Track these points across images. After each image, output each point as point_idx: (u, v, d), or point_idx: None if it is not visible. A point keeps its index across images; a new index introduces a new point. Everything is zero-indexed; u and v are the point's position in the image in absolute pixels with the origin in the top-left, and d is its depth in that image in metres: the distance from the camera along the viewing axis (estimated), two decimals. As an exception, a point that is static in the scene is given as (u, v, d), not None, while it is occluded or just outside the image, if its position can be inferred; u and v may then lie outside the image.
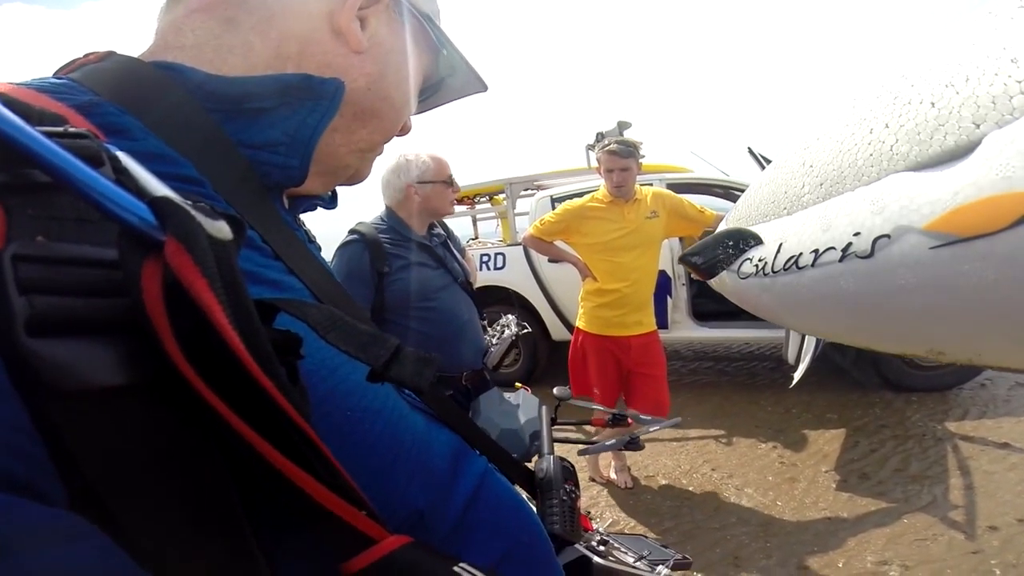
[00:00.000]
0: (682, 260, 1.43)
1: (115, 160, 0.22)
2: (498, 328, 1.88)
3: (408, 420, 0.41)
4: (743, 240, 1.10)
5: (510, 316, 1.92)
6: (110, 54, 0.38)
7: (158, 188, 0.22)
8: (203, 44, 0.40)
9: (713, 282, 1.27)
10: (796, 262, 0.94)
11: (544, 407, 0.94)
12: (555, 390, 1.10)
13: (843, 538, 2.30)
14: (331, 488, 0.24)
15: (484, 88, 0.61)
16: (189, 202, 0.22)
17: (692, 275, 4.42)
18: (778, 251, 0.99)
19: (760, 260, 1.05)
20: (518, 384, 1.16)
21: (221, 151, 0.37)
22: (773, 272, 1.00)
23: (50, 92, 0.32)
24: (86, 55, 0.39)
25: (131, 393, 0.19)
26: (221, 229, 0.22)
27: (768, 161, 3.19)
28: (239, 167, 0.38)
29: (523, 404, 0.99)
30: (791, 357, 3.19)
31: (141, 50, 0.41)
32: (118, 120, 0.33)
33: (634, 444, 1.10)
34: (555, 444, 0.86)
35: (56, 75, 0.36)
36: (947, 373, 3.61)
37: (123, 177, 0.21)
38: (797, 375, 2.99)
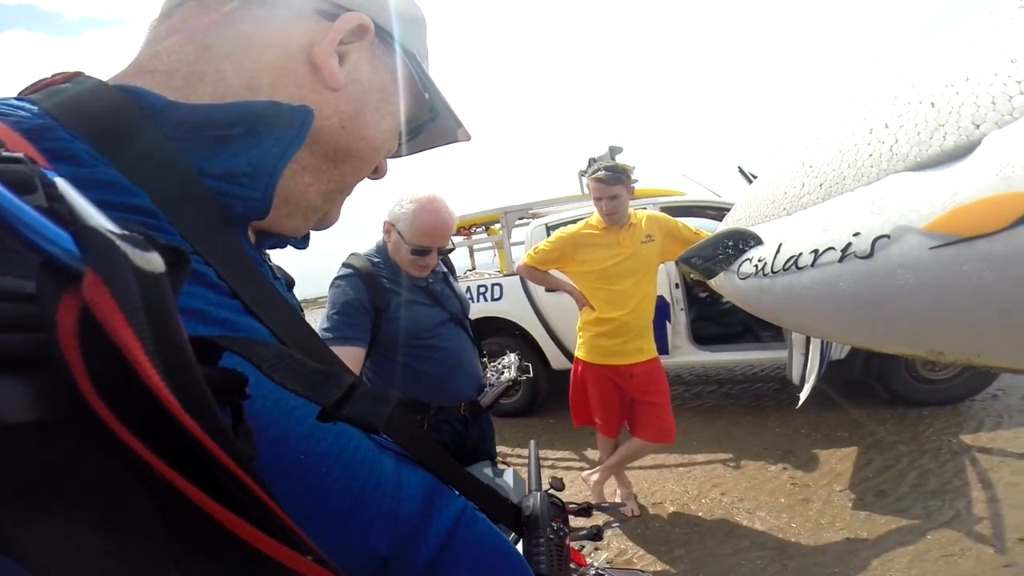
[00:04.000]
0: (681, 260, 1.42)
1: (50, 187, 0.21)
2: (499, 367, 1.81)
3: (373, 463, 0.39)
4: (743, 240, 1.10)
5: (513, 356, 1.85)
6: (77, 75, 0.37)
7: (95, 218, 0.20)
8: (174, 71, 0.39)
9: (713, 283, 1.26)
10: (796, 262, 0.94)
11: (533, 442, 0.92)
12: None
13: (865, 558, 2.22)
14: (270, 533, 0.22)
15: (467, 137, 0.60)
16: (120, 232, 0.20)
17: (689, 280, 4.42)
18: (777, 251, 0.99)
19: (760, 260, 1.05)
20: (501, 462, 1.13)
21: (180, 181, 0.35)
22: (772, 272, 1.00)
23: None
24: (53, 76, 0.38)
25: (44, 429, 0.18)
26: (151, 261, 0.20)
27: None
28: (199, 198, 0.36)
29: (514, 486, 0.96)
30: (796, 377, 3.15)
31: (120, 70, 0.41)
32: (68, 146, 0.32)
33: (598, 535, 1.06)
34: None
35: (20, 95, 0.35)
36: (957, 385, 3.56)
37: (57, 205, 0.20)
38: (803, 395, 2.95)
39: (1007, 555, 2.09)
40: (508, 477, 0.99)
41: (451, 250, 1.79)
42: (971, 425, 3.31)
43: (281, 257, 0.58)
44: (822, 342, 3.03)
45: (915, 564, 2.14)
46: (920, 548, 2.23)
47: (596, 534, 1.05)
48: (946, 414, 3.49)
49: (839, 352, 3.54)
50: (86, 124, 0.33)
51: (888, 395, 3.68)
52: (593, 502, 2.75)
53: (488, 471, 0.98)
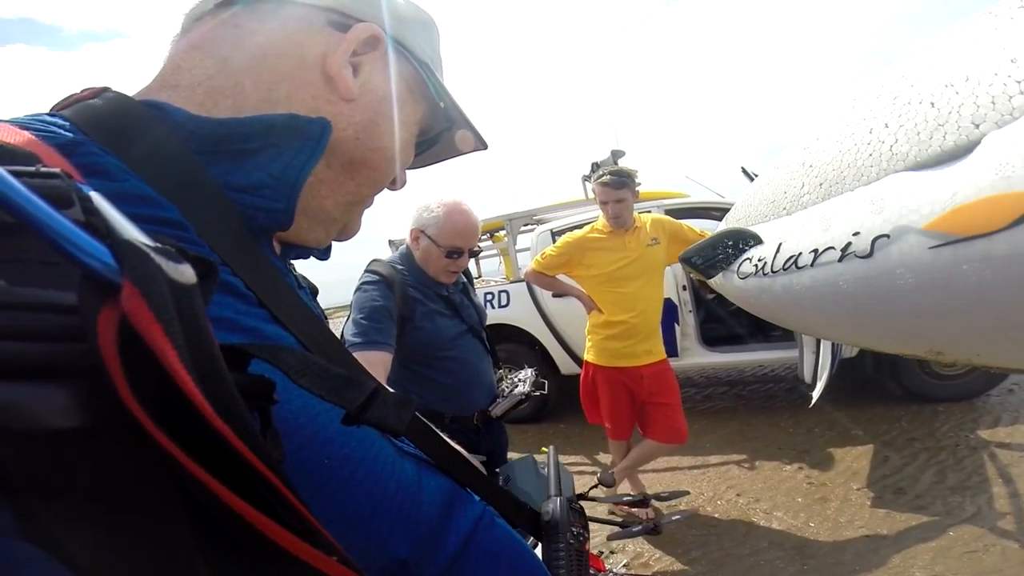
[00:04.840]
0: (682, 260, 1.42)
1: (86, 201, 0.21)
2: (515, 380, 1.81)
3: (394, 468, 0.40)
4: (743, 240, 1.10)
5: (530, 372, 1.84)
6: (104, 90, 0.39)
7: (129, 231, 0.21)
8: (196, 84, 0.40)
9: (713, 282, 1.26)
10: (795, 262, 0.93)
11: (552, 447, 0.92)
12: (599, 477, 1.08)
13: (886, 555, 2.20)
14: (297, 533, 0.23)
15: (484, 146, 0.60)
16: (153, 244, 0.21)
17: (694, 278, 4.40)
18: (777, 251, 0.98)
19: (759, 260, 1.04)
20: (543, 449, 1.14)
21: (206, 194, 0.37)
22: (772, 272, 0.99)
23: (34, 130, 0.32)
24: (82, 91, 0.39)
25: (84, 435, 0.19)
26: (184, 272, 0.21)
27: (763, 179, 3.19)
28: (224, 211, 0.37)
29: (563, 476, 0.96)
30: (807, 376, 3.13)
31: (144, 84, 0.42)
32: (99, 161, 0.33)
33: (656, 530, 1.07)
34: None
35: (51, 111, 0.37)
36: (972, 381, 3.52)
37: (93, 219, 0.21)
38: (816, 393, 2.92)
39: (1032, 550, 2.06)
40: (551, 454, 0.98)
41: (479, 252, 1.78)
42: (988, 420, 3.27)
43: (301, 268, 0.59)
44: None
45: (938, 561, 2.11)
46: (943, 544, 2.20)
47: (653, 528, 1.06)
48: (961, 410, 3.45)
49: (850, 350, 3.51)
50: (114, 139, 0.34)
51: (901, 392, 3.64)
52: (620, 510, 2.73)
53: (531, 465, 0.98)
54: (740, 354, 4.07)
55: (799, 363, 3.24)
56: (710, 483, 3.12)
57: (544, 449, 1.17)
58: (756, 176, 3.24)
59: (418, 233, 1.62)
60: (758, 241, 1.06)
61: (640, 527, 1.07)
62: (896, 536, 2.32)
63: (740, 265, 1.10)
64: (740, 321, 4.42)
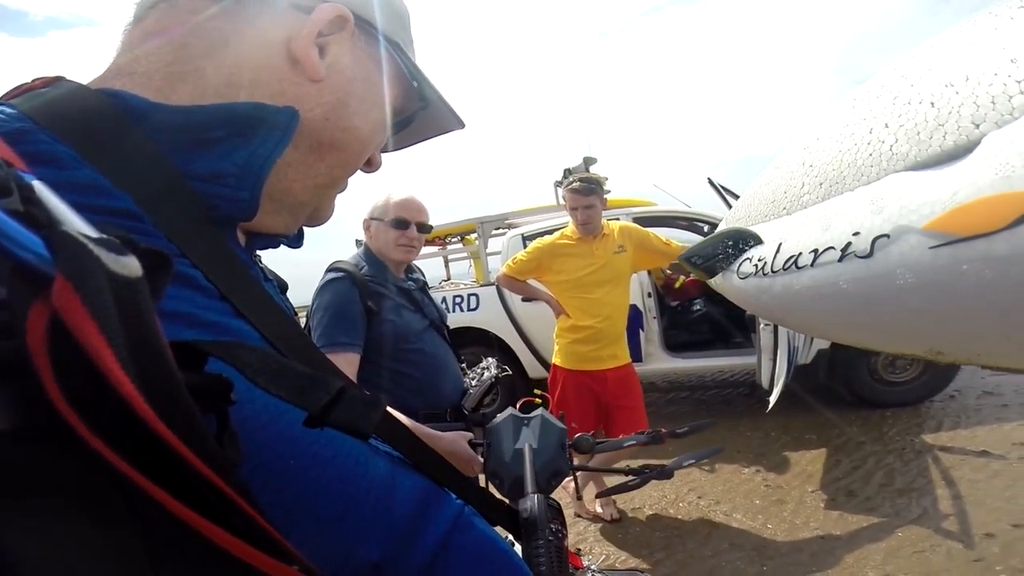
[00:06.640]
0: (682, 259, 1.43)
1: (27, 191, 0.20)
2: (478, 371, 1.86)
3: (366, 467, 0.38)
4: (743, 240, 1.11)
5: (491, 359, 1.90)
6: (58, 79, 0.37)
7: (71, 221, 0.20)
8: (153, 72, 0.38)
9: (712, 282, 1.27)
10: (795, 262, 0.94)
11: (527, 445, 0.91)
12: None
13: (840, 555, 2.29)
14: (252, 542, 0.22)
15: (461, 125, 0.60)
16: (95, 236, 0.20)
17: (660, 288, 4.46)
18: (777, 251, 0.99)
19: (759, 260, 1.05)
20: (537, 398, 1.13)
21: (164, 183, 0.35)
22: (772, 272, 1.00)
23: None
24: (33, 80, 0.37)
25: (17, 437, 0.18)
26: (127, 265, 0.20)
27: (728, 192, 3.30)
28: (184, 200, 0.36)
29: (540, 428, 0.95)
30: (765, 382, 3.23)
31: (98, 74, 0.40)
32: (49, 149, 0.31)
33: (666, 474, 1.07)
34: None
35: (0, 101, 0.35)
36: (917, 386, 3.72)
37: (34, 209, 0.19)
38: (772, 399, 3.03)
39: (975, 550, 2.18)
40: (536, 421, 0.98)
41: (430, 228, 1.83)
42: (931, 425, 3.45)
43: (273, 264, 0.57)
44: (789, 348, 3.11)
45: (889, 560, 2.20)
46: (892, 545, 2.30)
47: (664, 473, 1.06)
48: (907, 415, 3.64)
49: (805, 357, 3.65)
50: (68, 127, 0.33)
51: (852, 397, 3.81)
52: (586, 512, 2.70)
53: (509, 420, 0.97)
54: (701, 360, 4.18)
55: (757, 369, 3.34)
56: (672, 486, 3.17)
57: (537, 398, 1.17)
58: (723, 188, 3.33)
59: (369, 222, 1.69)
60: (758, 241, 1.06)
61: (653, 472, 1.08)
62: (849, 537, 2.42)
63: (740, 265, 1.10)
64: (702, 328, 4.54)
